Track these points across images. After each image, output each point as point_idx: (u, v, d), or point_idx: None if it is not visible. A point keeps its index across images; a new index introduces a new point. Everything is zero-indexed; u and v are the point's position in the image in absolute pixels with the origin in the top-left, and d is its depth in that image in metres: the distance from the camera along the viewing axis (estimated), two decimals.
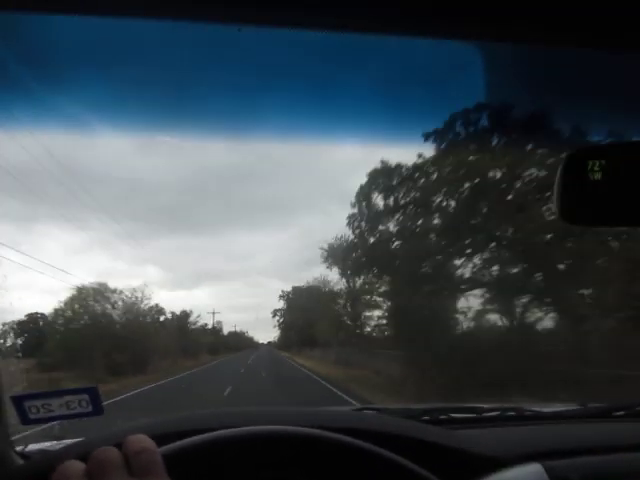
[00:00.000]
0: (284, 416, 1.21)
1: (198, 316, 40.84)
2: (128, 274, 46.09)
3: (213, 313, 53.53)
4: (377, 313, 22.36)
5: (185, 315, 36.91)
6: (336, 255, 24.42)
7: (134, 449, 0.56)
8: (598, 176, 0.72)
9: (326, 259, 26.38)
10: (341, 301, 27.47)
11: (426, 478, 0.95)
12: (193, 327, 39.31)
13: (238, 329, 69.74)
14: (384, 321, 20.91)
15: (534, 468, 1.08)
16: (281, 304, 47.46)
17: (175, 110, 0.96)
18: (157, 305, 28.33)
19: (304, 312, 36.58)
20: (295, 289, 40.12)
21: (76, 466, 0.54)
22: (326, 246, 26.04)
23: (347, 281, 25.39)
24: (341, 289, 27.30)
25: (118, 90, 0.88)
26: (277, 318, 49.03)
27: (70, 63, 0.79)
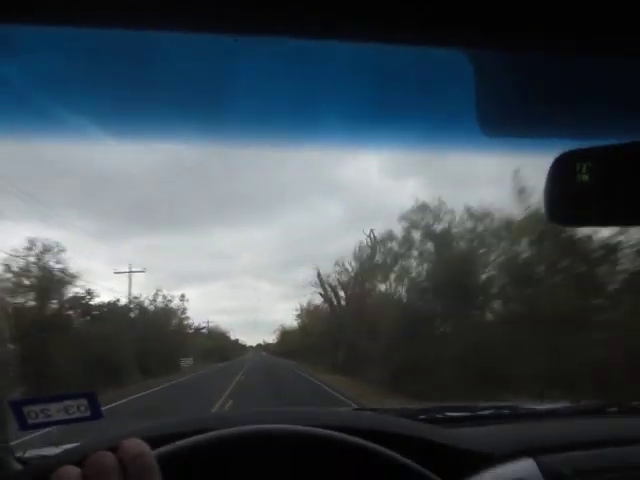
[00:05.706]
0: (280, 416, 1.22)
1: None
2: (104, 277, 45.46)
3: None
4: None
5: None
6: None
7: (130, 454, 0.57)
8: (586, 178, 0.73)
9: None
10: None
11: (421, 474, 0.96)
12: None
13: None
14: None
15: (527, 463, 1.10)
16: None
17: (151, 97, 0.91)
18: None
19: None
20: None
21: (72, 471, 0.55)
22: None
23: None
24: None
25: (85, 74, 0.83)
26: None
27: (34, 47, 0.76)
